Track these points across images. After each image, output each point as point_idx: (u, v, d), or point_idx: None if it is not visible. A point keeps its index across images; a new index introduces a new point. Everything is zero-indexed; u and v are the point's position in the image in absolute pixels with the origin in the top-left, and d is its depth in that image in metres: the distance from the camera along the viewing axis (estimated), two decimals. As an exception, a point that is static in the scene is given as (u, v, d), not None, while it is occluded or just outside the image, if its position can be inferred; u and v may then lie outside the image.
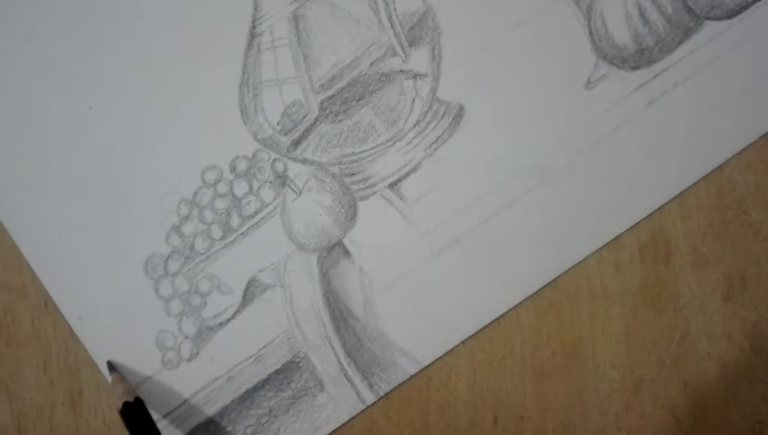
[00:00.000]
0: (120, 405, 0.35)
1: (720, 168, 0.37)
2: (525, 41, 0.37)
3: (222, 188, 0.37)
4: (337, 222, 0.37)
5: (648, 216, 0.37)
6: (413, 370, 0.37)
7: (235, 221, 0.37)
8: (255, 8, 0.37)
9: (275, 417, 0.37)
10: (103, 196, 0.37)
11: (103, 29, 0.37)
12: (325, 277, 0.37)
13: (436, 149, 0.37)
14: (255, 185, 0.37)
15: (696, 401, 0.37)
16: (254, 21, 0.37)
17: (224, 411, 0.37)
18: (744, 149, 0.37)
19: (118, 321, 0.37)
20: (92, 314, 0.37)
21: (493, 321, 0.37)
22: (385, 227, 0.37)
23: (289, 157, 0.38)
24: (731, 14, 0.37)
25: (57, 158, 0.37)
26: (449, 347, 0.37)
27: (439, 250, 0.37)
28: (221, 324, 0.37)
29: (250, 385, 0.37)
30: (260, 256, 0.37)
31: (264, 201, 0.37)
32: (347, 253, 0.37)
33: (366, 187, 0.38)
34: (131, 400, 0.35)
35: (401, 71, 0.37)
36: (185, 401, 0.37)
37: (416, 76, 0.37)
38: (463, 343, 0.37)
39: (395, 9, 0.37)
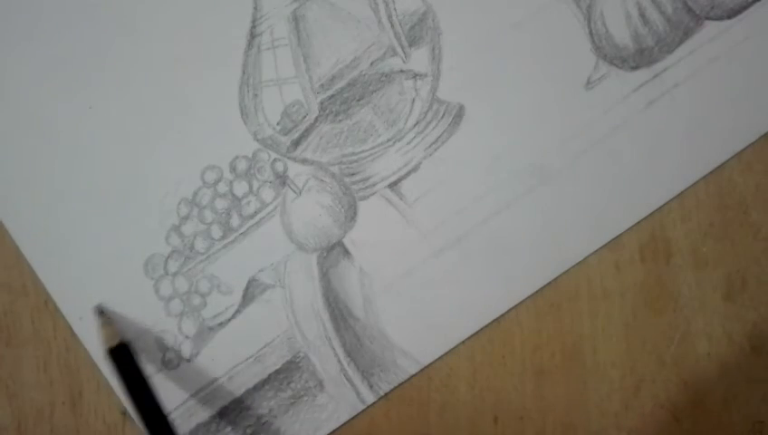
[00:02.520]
0: (105, 349, 0.35)
1: (720, 168, 0.37)
2: (525, 41, 0.37)
3: (222, 188, 0.37)
4: (337, 222, 0.37)
5: (648, 216, 0.37)
6: (413, 370, 0.37)
7: (235, 221, 0.37)
8: (255, 8, 0.37)
9: (275, 417, 0.37)
10: (103, 196, 0.37)
11: (104, 29, 0.37)
12: (325, 277, 0.37)
13: (436, 149, 0.37)
14: (255, 185, 0.37)
15: (696, 401, 0.37)
16: (254, 21, 0.37)
17: (224, 411, 0.37)
18: (744, 149, 0.37)
19: (118, 321, 0.37)
20: (93, 314, 0.37)
21: (493, 321, 0.37)
22: (385, 227, 0.37)
23: (289, 157, 0.38)
24: (731, 14, 0.37)
25: (57, 158, 0.37)
26: (449, 347, 0.37)
27: (439, 250, 0.37)
28: (221, 324, 0.37)
29: (250, 385, 0.37)
30: (260, 256, 0.37)
31: (264, 201, 0.37)
32: (347, 253, 0.37)
33: (366, 187, 0.38)
34: (115, 344, 0.35)
35: (401, 71, 0.37)
36: (185, 401, 0.37)
37: (416, 76, 0.37)
38: (463, 342, 0.37)
39: (395, 9, 0.37)
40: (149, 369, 0.37)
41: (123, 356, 0.35)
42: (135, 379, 0.35)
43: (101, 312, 0.36)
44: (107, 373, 0.37)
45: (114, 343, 0.35)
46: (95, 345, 0.37)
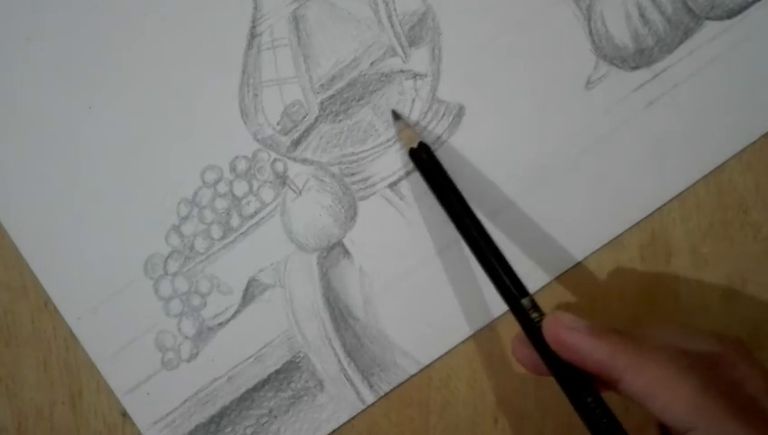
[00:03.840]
0: (407, 150, 0.36)
1: (720, 168, 0.37)
2: (525, 41, 0.37)
3: (222, 187, 0.37)
4: (337, 222, 0.37)
5: (648, 216, 0.37)
6: (413, 370, 0.37)
7: (235, 221, 0.37)
8: (255, 8, 0.37)
9: (275, 417, 0.37)
10: (103, 196, 0.37)
11: (104, 29, 0.37)
12: (325, 277, 0.37)
13: (436, 150, 0.37)
14: (255, 185, 0.37)
15: (696, 401, 0.37)
16: (254, 21, 0.37)
17: (224, 411, 0.37)
18: (744, 149, 0.37)
19: (118, 321, 0.37)
20: (92, 314, 0.37)
21: (493, 321, 0.37)
22: (385, 227, 0.37)
23: (289, 157, 0.38)
24: (731, 14, 0.37)
25: (57, 158, 0.37)
26: (449, 347, 0.37)
27: (439, 250, 0.37)
28: (221, 324, 0.37)
29: (250, 385, 0.37)
30: (260, 256, 0.37)
31: (264, 201, 0.37)
32: (347, 253, 0.37)
33: (366, 187, 0.38)
34: (416, 145, 0.36)
35: (401, 71, 0.37)
36: (185, 402, 0.37)
37: (416, 76, 0.37)
38: (463, 342, 0.37)
39: (395, 9, 0.37)
40: (149, 369, 0.37)
41: (424, 155, 0.35)
42: (439, 177, 0.35)
43: (397, 116, 0.37)
44: (107, 374, 0.37)
45: (414, 144, 0.35)
46: (95, 345, 0.37)
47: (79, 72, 0.37)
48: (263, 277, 0.37)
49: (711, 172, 0.37)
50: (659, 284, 0.37)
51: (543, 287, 0.37)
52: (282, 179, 0.37)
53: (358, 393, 0.37)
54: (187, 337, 0.37)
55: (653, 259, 0.38)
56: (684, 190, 0.37)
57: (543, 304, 0.37)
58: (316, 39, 0.37)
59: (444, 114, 0.38)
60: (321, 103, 0.37)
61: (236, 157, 0.37)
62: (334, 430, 0.37)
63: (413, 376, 0.37)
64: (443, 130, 0.37)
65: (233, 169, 0.37)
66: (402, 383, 0.37)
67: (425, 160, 0.35)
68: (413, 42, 0.37)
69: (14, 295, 0.37)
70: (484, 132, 0.37)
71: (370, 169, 0.38)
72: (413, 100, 0.37)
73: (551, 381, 0.37)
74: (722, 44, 0.37)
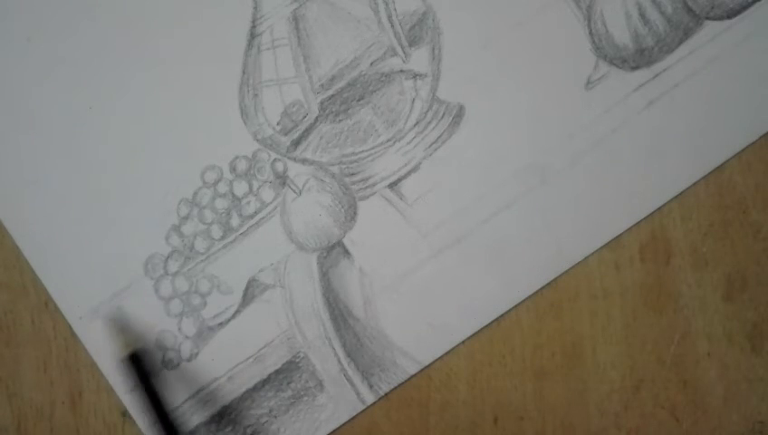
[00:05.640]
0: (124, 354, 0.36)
1: (720, 168, 0.37)
2: (525, 41, 0.37)
3: (222, 188, 0.37)
4: (337, 222, 0.37)
5: (648, 216, 0.37)
6: (413, 370, 0.37)
7: (234, 221, 0.37)
8: (255, 8, 0.37)
9: (275, 417, 0.37)
10: (103, 196, 0.37)
11: (104, 29, 0.37)
12: (325, 277, 0.37)
13: (436, 150, 0.37)
14: (255, 185, 0.37)
15: (696, 401, 0.37)
16: (254, 21, 0.37)
17: (224, 411, 0.37)
18: (744, 149, 0.37)
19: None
20: (92, 314, 0.37)
21: (493, 321, 0.37)
22: (385, 227, 0.37)
23: (289, 157, 0.38)
24: (731, 14, 0.37)
25: (57, 158, 0.37)
26: (449, 347, 0.37)
27: (439, 250, 0.37)
28: (221, 324, 0.37)
29: (250, 385, 0.37)
30: (260, 256, 0.37)
31: (264, 201, 0.37)
32: (347, 253, 0.37)
33: (366, 187, 0.38)
34: (125, 355, 0.35)
35: (401, 71, 0.37)
36: (185, 401, 0.37)
37: (416, 76, 0.37)
38: (463, 343, 0.37)
39: (395, 9, 0.37)
40: (149, 369, 0.37)
41: (133, 366, 0.35)
42: (144, 389, 0.35)
43: (111, 320, 0.36)
44: (107, 373, 0.37)
45: (124, 354, 0.35)
46: (95, 345, 0.37)
47: (79, 72, 0.37)
48: (263, 277, 0.37)
49: (711, 172, 0.37)
50: (659, 284, 0.37)
51: (543, 287, 0.37)
52: (282, 179, 0.37)
53: (358, 393, 0.37)
54: (187, 337, 0.37)
55: (653, 259, 0.38)
56: (684, 190, 0.37)
57: (543, 303, 0.38)
58: (316, 39, 0.37)
59: (444, 114, 0.38)
60: (321, 103, 0.37)
61: (236, 157, 0.37)
62: (334, 430, 0.37)
63: (413, 376, 0.37)
64: (443, 130, 0.37)
65: (233, 169, 0.37)
66: (402, 383, 0.37)
67: (133, 371, 0.35)
68: (413, 42, 0.37)
69: (14, 295, 0.37)
70: (484, 132, 0.37)
71: (370, 169, 0.38)
72: (413, 100, 0.37)
73: (551, 381, 0.37)
74: (722, 44, 0.37)
